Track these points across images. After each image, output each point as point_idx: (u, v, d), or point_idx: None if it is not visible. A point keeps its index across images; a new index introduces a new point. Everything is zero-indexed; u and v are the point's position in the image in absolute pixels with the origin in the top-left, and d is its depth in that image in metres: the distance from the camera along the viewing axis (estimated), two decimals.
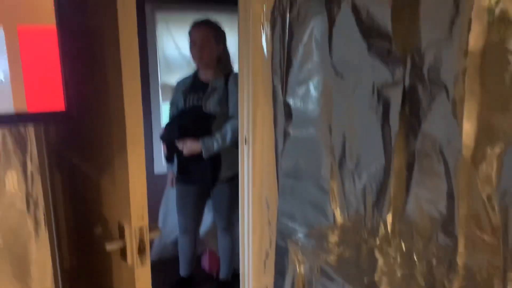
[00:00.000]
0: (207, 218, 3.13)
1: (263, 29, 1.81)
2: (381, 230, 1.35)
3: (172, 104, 2.95)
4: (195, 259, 3.07)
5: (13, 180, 0.93)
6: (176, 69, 3.73)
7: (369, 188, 1.39)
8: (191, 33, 2.79)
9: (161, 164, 3.67)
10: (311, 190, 1.66)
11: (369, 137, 1.36)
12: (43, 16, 0.72)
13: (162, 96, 3.74)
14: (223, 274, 3.04)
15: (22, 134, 0.93)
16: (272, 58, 1.76)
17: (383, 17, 1.22)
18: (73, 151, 1.28)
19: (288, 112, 1.70)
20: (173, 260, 3.19)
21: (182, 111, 2.83)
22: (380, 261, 1.34)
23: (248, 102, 1.92)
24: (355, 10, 1.29)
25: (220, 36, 2.83)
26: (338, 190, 1.52)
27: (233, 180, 2.77)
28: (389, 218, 1.33)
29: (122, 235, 1.02)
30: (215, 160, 2.73)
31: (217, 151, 2.68)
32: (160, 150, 3.77)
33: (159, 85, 3.70)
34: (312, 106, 1.58)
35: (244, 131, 1.96)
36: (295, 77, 1.64)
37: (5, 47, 0.70)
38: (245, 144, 1.97)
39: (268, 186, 1.95)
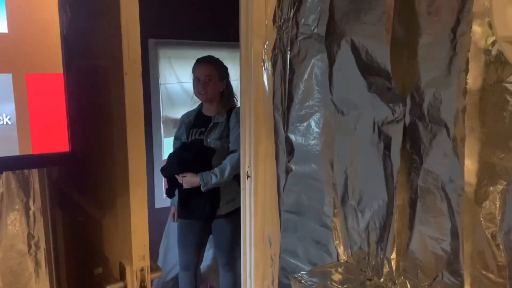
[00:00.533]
0: (209, 254, 3.09)
1: (264, 66, 1.84)
2: (385, 267, 1.33)
3: (176, 138, 2.98)
4: None
5: (15, 221, 0.93)
6: (178, 104, 3.78)
7: (372, 225, 1.38)
8: (195, 70, 2.85)
9: (162, 198, 3.66)
10: (313, 227, 1.65)
11: (370, 174, 1.37)
12: (51, 65, 0.74)
13: (163, 130, 3.77)
14: None
15: (25, 175, 0.93)
16: (274, 95, 1.79)
17: (382, 56, 1.24)
18: (76, 191, 1.29)
19: (290, 147, 1.71)
20: None
21: (184, 144, 2.85)
22: None
23: (250, 137, 1.93)
24: (355, 49, 1.32)
25: (223, 72, 2.89)
26: (341, 227, 1.51)
27: (234, 215, 2.75)
28: (393, 255, 1.31)
29: (123, 276, 1.01)
30: (214, 195, 2.73)
31: (216, 185, 2.68)
32: (161, 183, 3.76)
33: (161, 119, 3.73)
34: (313, 142, 1.59)
35: (246, 166, 1.97)
36: (296, 113, 1.66)
37: (12, 94, 0.71)
38: (247, 179, 1.97)
39: (271, 222, 1.94)
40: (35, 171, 0.94)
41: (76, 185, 1.30)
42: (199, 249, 2.96)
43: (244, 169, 1.98)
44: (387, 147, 1.28)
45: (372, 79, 1.29)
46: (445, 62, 1.07)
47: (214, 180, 2.66)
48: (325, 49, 1.46)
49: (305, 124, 1.62)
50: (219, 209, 2.76)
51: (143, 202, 0.96)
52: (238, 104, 2.92)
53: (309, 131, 1.60)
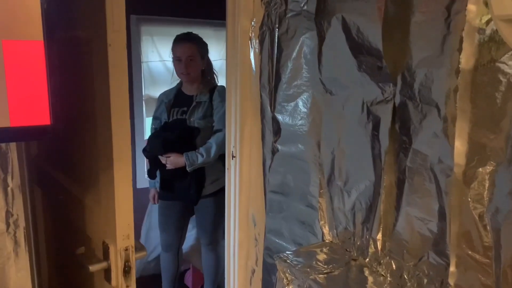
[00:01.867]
0: (192, 234, 3.07)
1: (251, 44, 1.80)
2: (371, 248, 1.34)
3: (155, 118, 2.91)
4: (178, 276, 3.01)
5: None
6: (160, 82, 3.70)
7: (358, 205, 1.37)
8: (175, 49, 2.76)
9: (143, 179, 3.62)
10: (299, 207, 1.64)
11: (358, 154, 1.36)
12: (30, 32, 0.69)
13: (145, 109, 3.69)
14: None
15: (2, 150, 0.88)
16: (261, 74, 1.75)
17: (374, 34, 1.22)
18: (56, 168, 1.24)
19: (277, 127, 1.69)
20: (155, 277, 3.12)
21: (166, 124, 2.79)
22: (370, 280, 1.32)
23: (235, 117, 1.90)
24: (345, 27, 1.29)
25: (204, 50, 2.82)
26: (327, 207, 1.50)
27: (217, 196, 2.73)
28: (379, 236, 1.31)
29: (106, 256, 0.98)
30: (199, 175, 2.70)
31: (201, 165, 2.64)
32: (143, 164, 3.71)
33: (143, 98, 3.66)
34: (300, 122, 1.57)
35: (232, 146, 1.94)
36: (283, 93, 1.63)
37: None
38: (232, 159, 1.95)
39: (255, 203, 1.93)
40: (13, 146, 0.89)
41: (55, 162, 1.26)
42: (181, 230, 2.94)
43: (230, 149, 1.95)
44: (376, 127, 1.27)
45: (363, 58, 1.27)
46: (438, 41, 1.05)
47: (200, 160, 2.62)
48: (314, 27, 1.43)
49: (292, 104, 1.59)
50: (204, 189, 2.74)
51: (128, 180, 0.93)
52: (219, 83, 2.87)
53: (297, 111, 1.58)
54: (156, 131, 2.84)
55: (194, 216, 2.90)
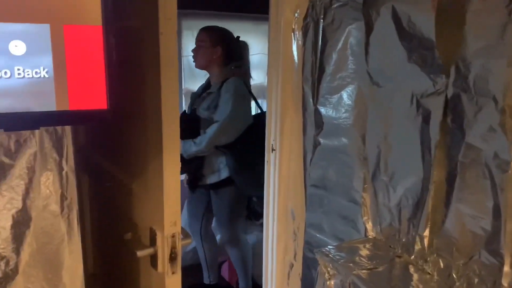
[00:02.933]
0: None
1: (294, 36, 1.78)
2: (417, 245, 1.29)
3: (188, 108, 2.95)
4: (212, 266, 3.03)
5: (48, 181, 0.91)
6: (200, 76, 3.72)
7: (404, 201, 1.33)
8: None
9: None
10: (341, 202, 1.62)
11: (406, 148, 1.31)
12: (90, 17, 0.70)
13: (185, 103, 3.73)
14: (242, 285, 2.98)
15: (59, 134, 0.91)
16: (303, 66, 1.73)
17: (426, 23, 1.17)
18: (103, 156, 1.26)
19: (319, 120, 1.66)
20: (193, 267, 3.16)
21: (183, 114, 2.81)
22: (415, 277, 1.28)
23: (276, 110, 1.89)
24: (395, 16, 1.25)
25: (217, 38, 2.74)
26: (371, 202, 1.47)
27: (227, 189, 2.70)
28: (426, 233, 1.27)
29: (153, 242, 0.99)
30: (196, 164, 2.68)
31: (196, 153, 2.61)
32: None
33: (182, 91, 3.69)
34: (345, 115, 1.54)
35: (271, 139, 1.93)
36: (327, 85, 1.60)
37: (50, 46, 0.68)
38: (272, 152, 1.93)
39: (295, 196, 1.91)
40: (68, 131, 0.92)
41: (103, 150, 1.28)
42: (197, 218, 2.94)
43: (269, 142, 1.94)
44: (426, 120, 1.23)
45: (413, 49, 1.23)
46: (497, 30, 1.00)
47: (193, 148, 2.60)
48: (362, 17, 1.40)
49: (336, 96, 1.56)
50: (204, 178, 2.71)
51: (176, 168, 0.93)
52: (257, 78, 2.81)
53: (341, 103, 1.55)
54: None
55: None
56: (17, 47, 0.68)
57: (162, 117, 0.88)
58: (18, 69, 0.68)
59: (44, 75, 0.69)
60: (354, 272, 1.27)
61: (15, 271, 0.94)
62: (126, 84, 1.00)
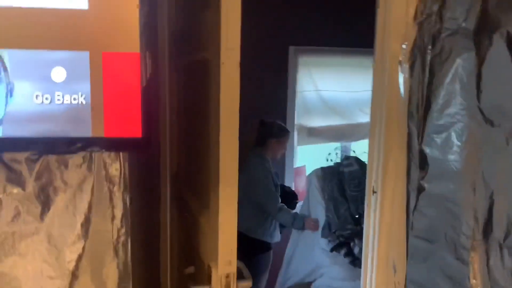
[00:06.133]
0: (329, 271, 2.88)
1: (400, 69, 1.63)
2: None
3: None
4: None
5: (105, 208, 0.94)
6: (313, 112, 3.70)
7: None
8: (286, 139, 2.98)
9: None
10: (446, 259, 1.38)
11: None
12: (128, 44, 0.71)
13: (297, 138, 3.71)
14: None
15: (118, 162, 0.93)
16: (409, 101, 1.57)
17: None
18: (187, 185, 1.28)
19: (424, 162, 1.47)
20: None
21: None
22: None
23: (379, 149, 1.73)
24: (511, 43, 1.05)
25: None
26: (481, 264, 1.23)
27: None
28: None
29: (209, 280, 0.94)
30: None
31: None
32: None
33: (295, 127, 3.68)
34: (453, 157, 1.34)
35: (373, 180, 1.77)
36: (434, 123, 1.42)
37: (89, 72, 0.71)
38: (373, 194, 1.77)
39: (397, 246, 1.70)
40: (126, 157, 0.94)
41: (185, 181, 1.30)
42: None
43: (370, 183, 1.78)
44: None
45: None
46: None
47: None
48: (473, 46, 1.22)
49: (444, 135, 1.37)
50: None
51: (233, 203, 0.88)
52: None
53: (448, 143, 1.35)
54: None
55: None
56: (58, 74, 0.72)
57: (220, 148, 0.84)
58: (58, 95, 0.72)
59: (81, 102, 0.72)
60: None
61: None
62: (197, 117, 0.99)
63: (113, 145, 0.76)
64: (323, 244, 2.89)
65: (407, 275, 1.62)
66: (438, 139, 1.40)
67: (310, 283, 2.92)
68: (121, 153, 0.88)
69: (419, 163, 1.51)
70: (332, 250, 2.81)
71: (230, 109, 0.85)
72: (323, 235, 2.91)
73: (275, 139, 2.90)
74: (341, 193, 2.94)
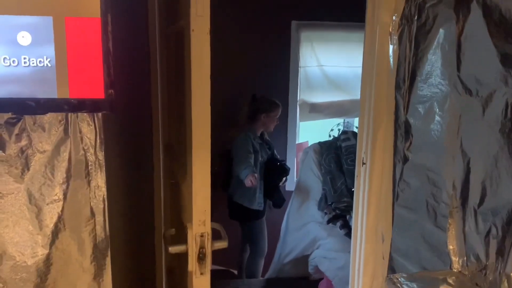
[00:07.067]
0: (326, 242, 2.94)
1: (391, 40, 1.64)
2: (504, 286, 1.06)
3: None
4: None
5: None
6: (316, 87, 3.68)
7: (494, 231, 1.11)
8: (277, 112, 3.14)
9: (292, 181, 3.64)
10: (427, 227, 1.42)
11: (499, 169, 1.10)
12: (89, 9, 0.75)
13: (299, 114, 3.72)
14: None
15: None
16: (397, 72, 1.58)
17: None
18: (173, 155, 1.32)
19: (408, 133, 1.49)
20: (291, 280, 3.12)
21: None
22: None
23: (368, 121, 1.75)
24: (486, 10, 1.06)
25: None
26: (458, 230, 1.26)
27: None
28: None
29: (186, 240, 0.99)
30: None
31: None
32: (293, 166, 3.75)
33: (298, 103, 3.68)
34: (434, 127, 1.36)
35: (362, 151, 1.79)
36: (418, 93, 1.44)
37: (52, 36, 0.75)
38: (362, 166, 1.80)
39: (385, 217, 1.74)
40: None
41: (173, 149, 1.34)
42: None
43: (360, 155, 1.81)
44: None
45: (507, 49, 1.02)
46: None
47: None
48: (454, 16, 1.22)
49: (426, 105, 1.39)
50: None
51: (206, 166, 0.92)
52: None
53: (431, 113, 1.37)
54: None
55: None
56: (24, 38, 0.76)
57: (192, 114, 0.87)
58: (25, 58, 0.76)
59: (47, 64, 0.76)
60: None
61: None
62: (179, 85, 1.02)
63: (79, 106, 0.80)
64: (319, 217, 2.95)
65: (392, 244, 1.67)
66: (421, 109, 1.41)
67: (308, 256, 2.98)
68: (95, 116, 0.92)
69: (404, 133, 1.53)
70: (328, 222, 2.86)
71: (201, 77, 0.88)
72: (319, 208, 2.96)
73: (265, 114, 3.07)
74: (338, 167, 2.98)
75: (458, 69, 1.22)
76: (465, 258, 1.23)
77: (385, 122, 1.68)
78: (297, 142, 3.80)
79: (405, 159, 1.53)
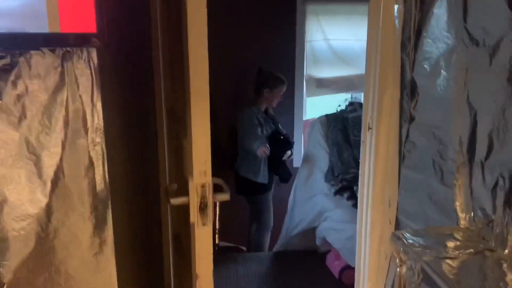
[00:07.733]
0: (334, 213, 2.92)
1: (395, 0, 1.60)
2: (511, 237, 1.05)
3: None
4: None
5: None
6: (323, 62, 3.63)
7: (501, 183, 1.09)
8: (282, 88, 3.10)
9: (300, 158, 3.62)
10: (434, 186, 1.40)
11: (507, 117, 1.07)
12: None
13: (306, 90, 3.67)
14: None
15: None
16: (403, 31, 1.55)
17: None
18: (173, 114, 1.32)
19: (414, 91, 1.47)
20: (298, 253, 3.14)
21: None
22: (509, 277, 1.04)
23: (374, 83, 1.73)
24: None
25: None
26: (464, 185, 1.24)
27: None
28: None
29: (187, 192, 0.98)
30: None
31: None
32: (300, 144, 3.73)
33: (304, 78, 3.64)
34: (441, 82, 1.33)
35: (368, 116, 1.77)
36: (424, 49, 1.41)
37: None
38: (368, 131, 1.78)
39: (392, 182, 1.72)
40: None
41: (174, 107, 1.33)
42: None
43: (366, 120, 1.79)
44: None
45: None
46: None
47: None
48: None
49: (432, 61, 1.36)
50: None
51: (205, 116, 0.91)
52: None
53: (437, 69, 1.34)
54: None
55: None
56: None
57: (189, 67, 0.86)
58: None
59: None
60: (425, 258, 1.08)
61: None
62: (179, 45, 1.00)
63: (70, 40, 0.79)
64: (326, 189, 2.93)
65: (398, 205, 1.65)
66: (427, 66, 1.38)
67: (315, 228, 2.98)
68: (91, 61, 0.90)
69: (410, 93, 1.50)
70: (335, 193, 2.84)
71: (199, 23, 0.86)
72: (326, 180, 2.95)
73: (268, 89, 3.04)
74: (345, 138, 2.95)
75: (465, 20, 1.19)
76: (472, 214, 1.21)
77: (391, 85, 1.65)
78: (304, 118, 3.77)
79: (411, 119, 1.51)
